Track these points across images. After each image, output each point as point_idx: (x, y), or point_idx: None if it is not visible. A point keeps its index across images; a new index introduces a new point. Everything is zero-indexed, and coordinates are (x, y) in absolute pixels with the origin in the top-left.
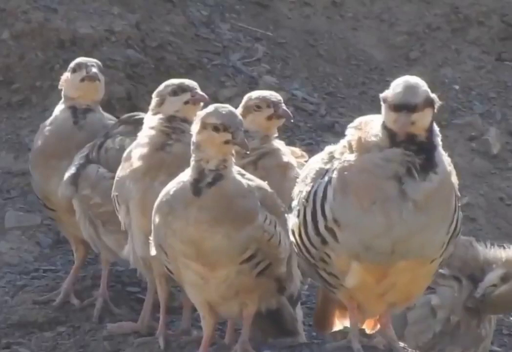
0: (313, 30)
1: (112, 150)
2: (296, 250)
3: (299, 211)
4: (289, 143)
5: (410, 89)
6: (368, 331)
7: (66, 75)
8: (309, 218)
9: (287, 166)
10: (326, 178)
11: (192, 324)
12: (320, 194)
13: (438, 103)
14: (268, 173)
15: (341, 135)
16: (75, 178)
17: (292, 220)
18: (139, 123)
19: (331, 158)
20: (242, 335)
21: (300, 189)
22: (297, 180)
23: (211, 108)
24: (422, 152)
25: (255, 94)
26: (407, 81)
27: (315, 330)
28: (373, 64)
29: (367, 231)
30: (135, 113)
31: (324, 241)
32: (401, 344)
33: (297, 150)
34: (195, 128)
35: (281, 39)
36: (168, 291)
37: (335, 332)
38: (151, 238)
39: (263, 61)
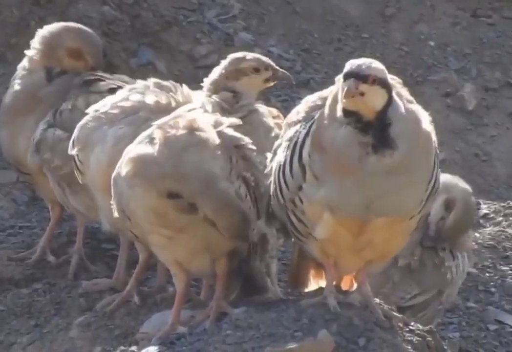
0: None
1: (65, 111)
2: (273, 190)
3: (285, 148)
4: (265, 99)
5: (365, 63)
6: (344, 288)
7: None
8: (288, 156)
9: (270, 128)
10: (308, 127)
11: (168, 281)
12: (301, 138)
13: (393, 88)
14: (253, 129)
15: (317, 91)
16: (39, 145)
17: (279, 155)
18: (88, 85)
19: (313, 108)
20: (217, 292)
21: (287, 125)
22: (289, 116)
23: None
24: (369, 131)
25: (249, 56)
26: (367, 59)
27: (289, 286)
28: (349, 20)
29: (341, 189)
30: (86, 74)
31: (299, 187)
32: (377, 300)
33: (274, 110)
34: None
35: None
36: (149, 253)
37: (311, 291)
38: (112, 201)
39: (239, 18)
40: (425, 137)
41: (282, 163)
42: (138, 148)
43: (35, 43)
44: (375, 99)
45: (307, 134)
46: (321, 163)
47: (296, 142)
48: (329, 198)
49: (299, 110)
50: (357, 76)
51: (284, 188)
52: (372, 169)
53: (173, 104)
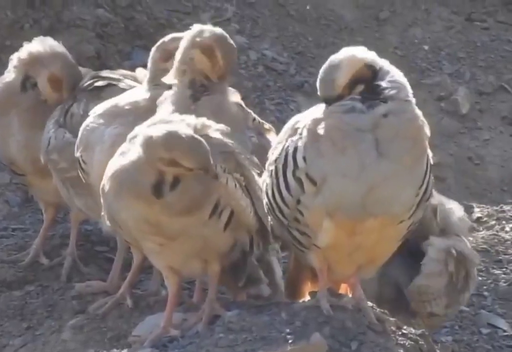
0: None
1: (76, 115)
2: (269, 212)
3: (271, 171)
4: (259, 102)
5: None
6: (337, 292)
7: None
8: (280, 173)
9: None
10: (297, 135)
11: (161, 284)
12: (291, 148)
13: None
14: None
15: (311, 94)
16: (49, 145)
17: (265, 181)
18: (99, 90)
19: (300, 120)
20: (209, 294)
21: (272, 152)
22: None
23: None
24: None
25: None
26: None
27: (286, 297)
28: (343, 24)
29: (341, 175)
30: (96, 76)
31: (298, 201)
32: (369, 303)
33: (266, 125)
34: (155, 154)
35: None
36: (143, 256)
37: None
38: (102, 212)
39: (233, 21)
40: (417, 128)
41: (275, 186)
42: (118, 160)
43: (24, 52)
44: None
45: (298, 140)
46: (318, 151)
47: (286, 157)
48: (327, 201)
49: (279, 141)
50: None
51: (285, 208)
52: (359, 125)
53: None
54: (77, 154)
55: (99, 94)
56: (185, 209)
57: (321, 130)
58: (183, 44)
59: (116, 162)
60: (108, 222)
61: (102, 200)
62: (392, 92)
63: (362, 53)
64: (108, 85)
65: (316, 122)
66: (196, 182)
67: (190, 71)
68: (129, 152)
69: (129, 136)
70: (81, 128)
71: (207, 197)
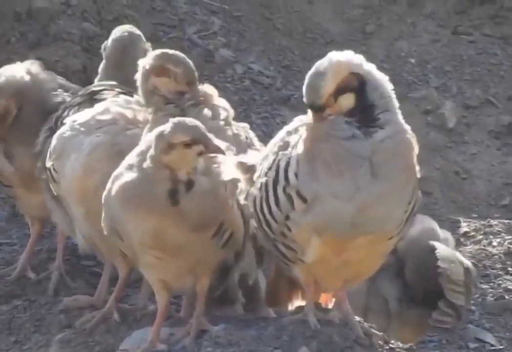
0: (269, 3)
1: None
2: (256, 224)
3: (261, 183)
4: (245, 116)
5: (311, 88)
6: (323, 306)
7: None
8: (270, 187)
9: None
10: (289, 150)
11: (148, 298)
12: (283, 163)
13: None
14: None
15: (297, 108)
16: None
17: (255, 194)
18: (93, 94)
19: (291, 133)
20: (197, 309)
21: (262, 163)
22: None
23: (171, 126)
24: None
25: None
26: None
27: (266, 305)
28: (329, 37)
29: (333, 197)
30: (92, 86)
31: (287, 217)
32: (357, 318)
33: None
34: (156, 149)
35: (237, 12)
36: (128, 270)
37: (291, 309)
38: (102, 222)
39: (219, 34)
40: (409, 139)
41: (264, 200)
42: (127, 173)
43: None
44: (345, 104)
45: (291, 155)
46: (312, 172)
47: (277, 171)
48: (316, 219)
49: (267, 153)
50: (315, 108)
51: (273, 223)
52: (359, 152)
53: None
54: (49, 163)
55: (91, 97)
56: (195, 222)
57: (317, 152)
58: (139, 82)
59: (125, 175)
60: (106, 232)
61: (103, 210)
62: (387, 116)
63: (348, 59)
64: (102, 89)
65: (312, 142)
66: (208, 196)
67: (159, 97)
68: (139, 165)
69: (136, 150)
70: (56, 136)
71: (215, 216)
